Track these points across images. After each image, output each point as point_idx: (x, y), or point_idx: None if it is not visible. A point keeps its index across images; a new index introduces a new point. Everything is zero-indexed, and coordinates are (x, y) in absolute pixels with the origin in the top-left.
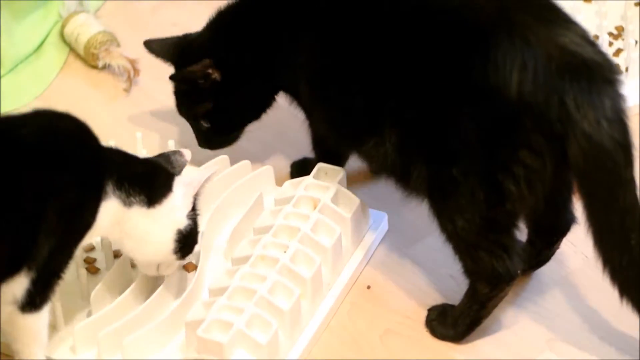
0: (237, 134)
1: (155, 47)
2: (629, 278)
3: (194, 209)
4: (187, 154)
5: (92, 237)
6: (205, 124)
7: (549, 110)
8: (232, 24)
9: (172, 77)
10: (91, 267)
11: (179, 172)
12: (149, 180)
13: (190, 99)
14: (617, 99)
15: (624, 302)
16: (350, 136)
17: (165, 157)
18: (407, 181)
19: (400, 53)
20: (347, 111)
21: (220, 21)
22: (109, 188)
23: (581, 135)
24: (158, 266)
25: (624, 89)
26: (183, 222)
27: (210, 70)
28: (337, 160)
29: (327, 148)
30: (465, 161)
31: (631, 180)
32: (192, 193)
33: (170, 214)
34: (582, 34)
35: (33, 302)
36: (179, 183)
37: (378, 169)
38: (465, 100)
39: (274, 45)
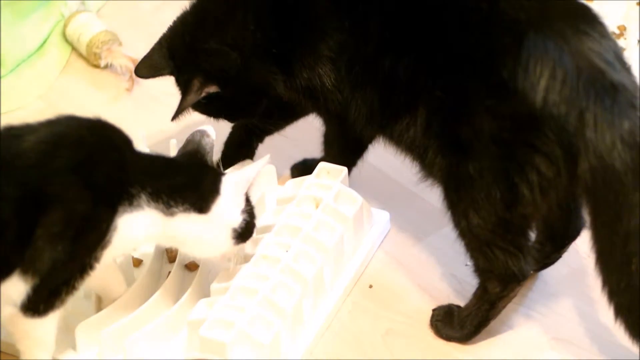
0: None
1: (146, 71)
2: (625, 301)
3: (248, 202)
4: (211, 131)
5: (128, 249)
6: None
7: (567, 123)
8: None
9: (173, 119)
10: None
11: (210, 154)
12: (192, 189)
13: (212, 108)
14: (637, 123)
15: (618, 323)
16: (387, 114)
17: (195, 143)
18: (430, 168)
19: (444, 32)
20: (390, 85)
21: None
22: (142, 200)
23: (593, 153)
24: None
25: None
26: (237, 221)
27: (203, 91)
28: (353, 156)
29: (347, 142)
30: (481, 157)
31: (638, 204)
32: (244, 190)
33: (223, 217)
34: (615, 52)
35: (36, 308)
36: (227, 182)
37: (406, 151)
38: (490, 95)
39: (293, 35)
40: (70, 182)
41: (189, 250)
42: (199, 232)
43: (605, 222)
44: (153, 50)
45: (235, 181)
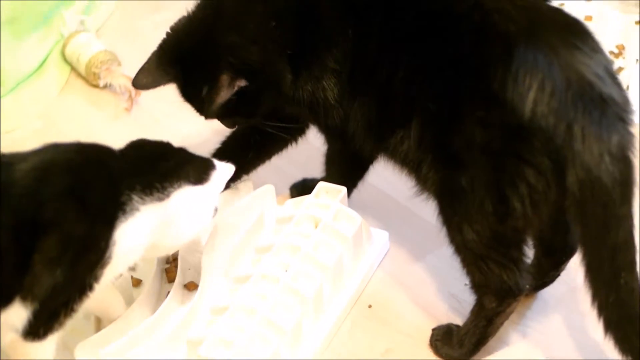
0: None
1: (146, 81)
2: (614, 316)
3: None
4: None
5: (131, 261)
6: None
7: (555, 135)
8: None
9: (207, 118)
10: None
11: None
12: (186, 164)
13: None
14: (625, 137)
15: (607, 337)
16: (383, 126)
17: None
18: (424, 182)
19: (437, 43)
20: (387, 96)
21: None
22: (134, 203)
23: (580, 165)
24: None
25: (635, 128)
26: (217, 201)
27: (235, 85)
28: (354, 177)
29: (349, 161)
30: (473, 169)
31: (626, 217)
32: (226, 179)
33: (214, 191)
34: (606, 66)
35: (36, 332)
36: (220, 165)
37: (401, 165)
38: (481, 106)
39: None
40: (64, 205)
41: (175, 232)
42: (192, 205)
43: (594, 235)
44: (151, 59)
45: (223, 166)
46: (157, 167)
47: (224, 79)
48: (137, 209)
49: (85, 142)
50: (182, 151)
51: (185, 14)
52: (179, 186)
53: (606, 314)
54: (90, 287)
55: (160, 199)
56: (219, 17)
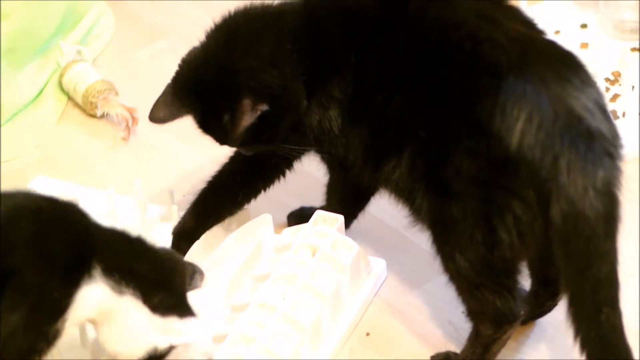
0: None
1: (163, 114)
2: (596, 351)
3: None
4: (204, 279)
5: (81, 321)
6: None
7: (542, 167)
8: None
9: (232, 144)
10: None
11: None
12: (158, 293)
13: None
14: (612, 172)
15: None
16: (378, 154)
17: (190, 265)
18: (418, 211)
19: (429, 71)
20: (380, 126)
21: (239, 41)
22: (97, 272)
23: (564, 198)
24: None
25: (622, 163)
26: (163, 345)
27: (258, 110)
28: (354, 207)
29: (350, 191)
30: (462, 199)
31: (609, 253)
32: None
33: (162, 330)
34: (596, 100)
35: None
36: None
37: (395, 194)
38: (469, 136)
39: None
40: (27, 253)
41: (109, 336)
42: (132, 322)
43: (576, 268)
44: (166, 92)
45: (196, 324)
46: (127, 260)
47: (247, 103)
48: (96, 280)
49: (58, 197)
50: (176, 280)
51: (181, 42)
52: (134, 296)
53: (588, 350)
54: (54, 338)
55: (114, 289)
56: (233, 43)
